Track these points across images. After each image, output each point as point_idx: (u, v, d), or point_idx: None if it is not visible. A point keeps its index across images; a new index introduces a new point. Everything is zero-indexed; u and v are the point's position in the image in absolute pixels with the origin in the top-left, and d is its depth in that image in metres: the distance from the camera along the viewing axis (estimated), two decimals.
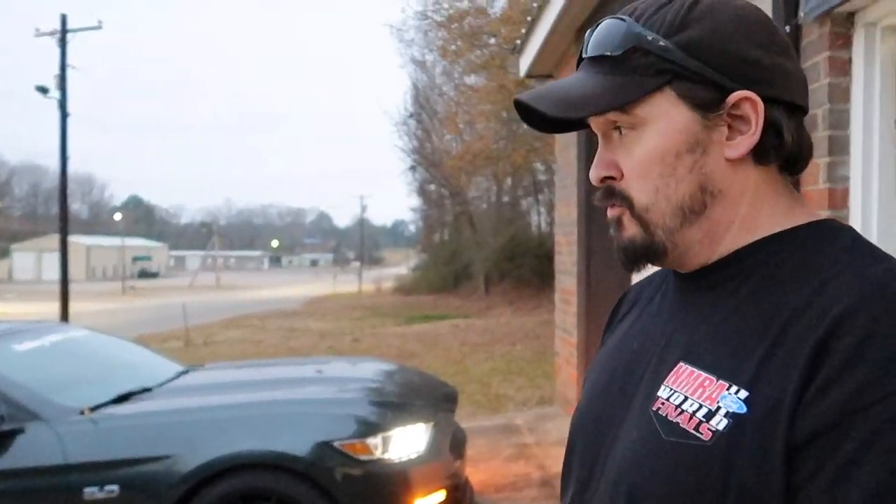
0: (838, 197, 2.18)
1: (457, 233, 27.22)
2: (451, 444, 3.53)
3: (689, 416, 0.62)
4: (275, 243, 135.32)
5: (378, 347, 12.02)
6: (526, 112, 0.73)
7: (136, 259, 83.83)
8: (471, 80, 17.92)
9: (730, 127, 0.68)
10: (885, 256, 0.64)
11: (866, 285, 0.59)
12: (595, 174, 0.72)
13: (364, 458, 3.14)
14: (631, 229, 0.71)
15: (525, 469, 4.59)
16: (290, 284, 49.54)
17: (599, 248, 5.09)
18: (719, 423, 0.60)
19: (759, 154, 0.68)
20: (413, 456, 3.24)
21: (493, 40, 14.66)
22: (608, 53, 0.69)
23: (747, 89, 0.66)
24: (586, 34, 0.73)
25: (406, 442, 3.26)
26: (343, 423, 3.26)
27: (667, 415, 0.64)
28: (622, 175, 0.71)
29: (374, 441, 3.18)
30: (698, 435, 0.61)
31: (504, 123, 16.64)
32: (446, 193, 26.19)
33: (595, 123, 0.72)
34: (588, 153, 5.06)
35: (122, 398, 3.51)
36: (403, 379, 4.45)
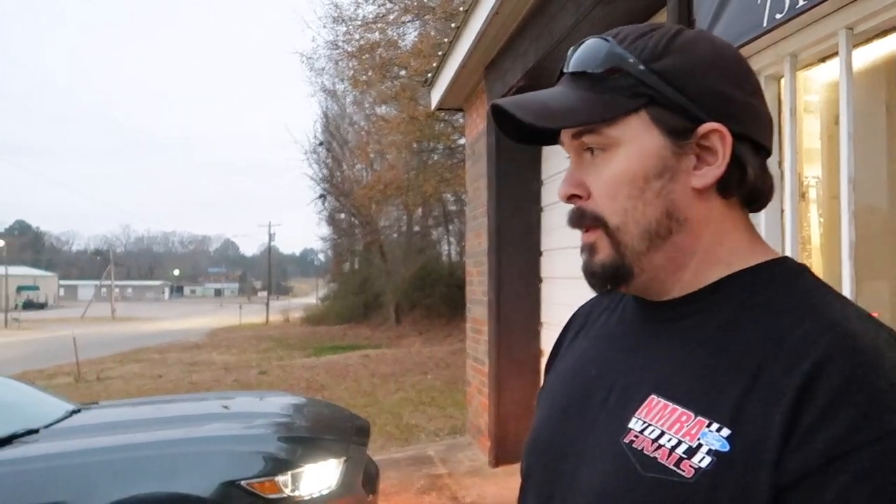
0: None
1: (367, 262, 27.04)
2: (364, 478, 3.47)
3: (667, 451, 0.62)
4: (176, 272, 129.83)
5: (286, 380, 11.69)
6: (502, 118, 0.74)
7: (21, 289, 78.09)
8: (382, 110, 18.02)
9: (697, 157, 0.69)
10: (845, 299, 0.67)
11: (839, 333, 0.61)
12: (563, 191, 0.73)
13: (273, 496, 3.03)
14: (603, 252, 0.72)
15: (438, 500, 4.56)
16: (192, 315, 47.49)
17: (510, 278, 5.19)
18: (702, 460, 0.60)
19: (723, 187, 0.70)
20: (324, 492, 3.15)
21: (403, 72, 14.83)
22: (589, 71, 0.71)
23: (718, 122, 0.68)
24: (569, 51, 0.75)
25: (317, 478, 3.17)
26: (250, 461, 3.14)
27: (643, 449, 0.64)
28: (589, 195, 0.72)
29: (284, 478, 3.07)
30: (679, 472, 0.60)
31: (415, 154, 16.80)
32: (356, 223, 26.02)
33: (567, 141, 0.74)
34: (497, 185, 5.19)
35: (2, 442, 3.24)
36: (313, 412, 4.34)
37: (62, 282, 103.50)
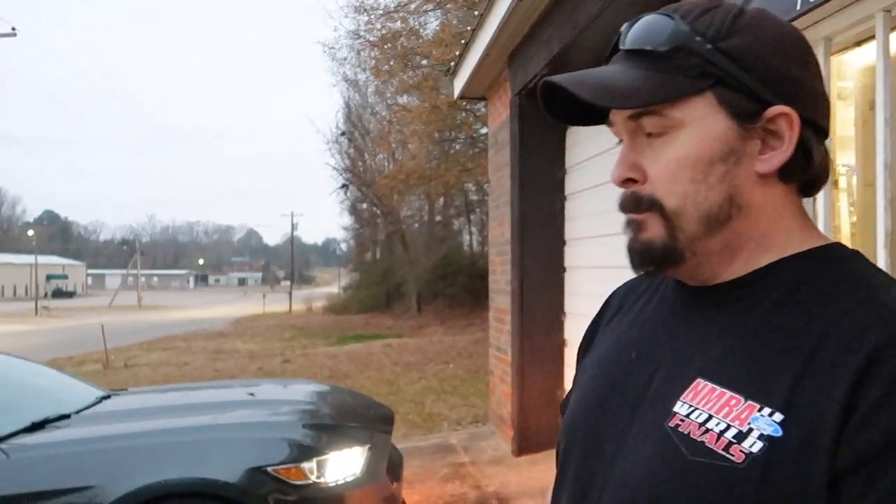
0: None
1: (389, 252, 27.13)
2: (388, 465, 3.49)
3: (715, 435, 0.61)
4: (201, 261, 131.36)
5: (309, 368, 11.79)
6: (549, 96, 0.71)
7: (50, 278, 79.68)
8: (403, 99, 18.00)
9: (763, 141, 0.67)
10: None
11: None
12: (618, 174, 0.70)
13: (299, 483, 3.06)
14: (653, 231, 0.69)
15: (461, 489, 4.58)
16: (216, 304, 48.08)
17: (533, 268, 5.17)
18: (752, 445, 0.59)
19: (786, 172, 0.68)
20: (349, 479, 3.18)
21: (425, 61, 14.79)
22: (651, 48, 0.68)
23: (786, 105, 0.66)
24: (623, 27, 0.72)
25: (342, 465, 3.20)
26: (276, 448, 3.17)
27: (689, 433, 0.63)
28: (645, 179, 0.69)
29: (309, 465, 3.10)
30: (729, 456, 0.59)
31: (437, 143, 16.77)
32: (378, 212, 26.11)
33: (621, 122, 0.71)
34: (521, 174, 5.16)
35: (36, 426, 3.30)
36: (337, 400, 4.38)
37: (90, 271, 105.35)
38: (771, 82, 0.67)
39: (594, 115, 0.74)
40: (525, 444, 5.09)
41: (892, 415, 0.55)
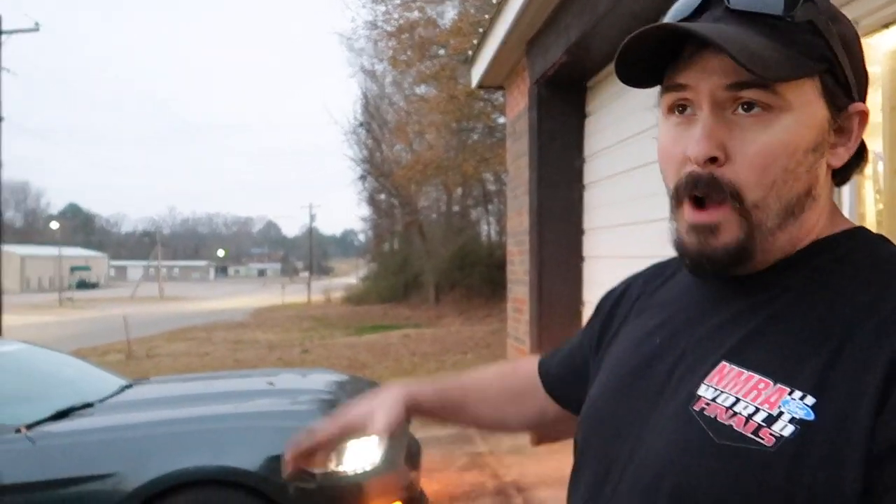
0: None
1: (407, 243, 27.17)
2: (406, 455, 3.50)
3: (744, 419, 0.59)
4: (221, 253, 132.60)
5: (328, 358, 11.87)
6: (632, 45, 0.64)
7: (74, 269, 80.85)
8: (421, 90, 17.99)
9: (837, 134, 0.66)
10: None
11: None
12: (703, 150, 0.62)
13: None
14: (730, 233, 0.64)
15: (479, 478, 4.59)
16: (236, 295, 48.53)
17: (551, 257, 5.14)
18: (783, 428, 0.57)
19: (845, 167, 0.67)
20: (368, 468, 3.19)
21: (442, 51, 14.74)
22: (779, 15, 0.62)
23: (862, 102, 0.65)
24: None
25: (360, 454, 3.21)
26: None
27: (715, 416, 0.61)
28: (726, 160, 0.63)
29: None
30: (759, 440, 0.58)
31: (454, 133, 16.73)
32: (396, 203, 26.14)
33: (711, 90, 0.63)
34: (539, 163, 5.13)
35: (61, 414, 3.36)
36: (356, 390, 4.39)
37: (112, 262, 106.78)
38: (858, 78, 0.65)
39: (649, 79, 0.67)
40: (544, 434, 5.09)
41: None
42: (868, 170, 2.37)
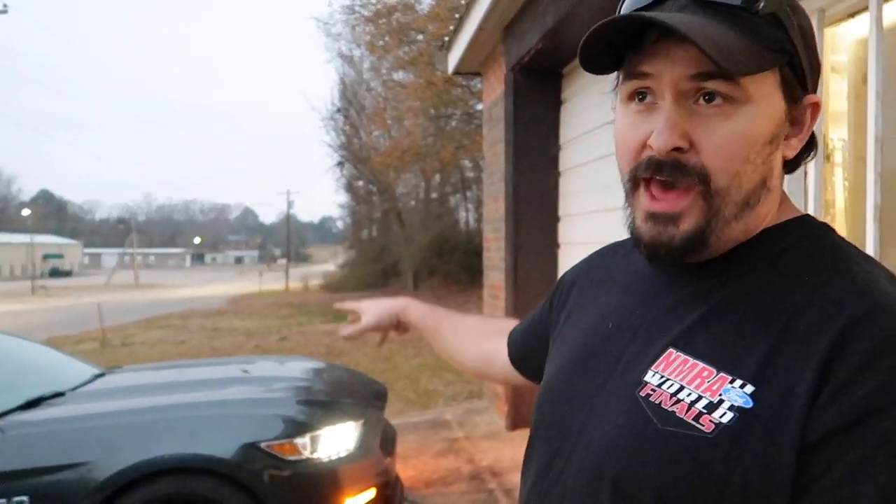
0: None
1: (385, 229, 27.09)
2: (381, 441, 3.51)
3: (686, 405, 0.60)
4: (197, 240, 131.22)
5: (306, 346, 11.83)
6: (600, 37, 0.63)
7: (46, 257, 79.50)
8: (399, 76, 17.86)
9: (790, 125, 0.67)
10: (871, 259, 0.66)
11: (872, 293, 0.59)
12: (667, 140, 0.63)
13: (292, 458, 3.08)
14: (691, 220, 0.64)
15: (455, 463, 4.62)
16: (213, 282, 48.10)
17: (527, 244, 5.16)
18: (723, 415, 0.58)
19: (797, 158, 0.69)
20: (342, 455, 3.20)
21: (420, 37, 14.64)
22: (746, 7, 0.61)
23: (814, 94, 0.66)
24: None
25: (335, 441, 3.22)
26: (270, 424, 3.19)
27: (660, 402, 0.62)
28: (690, 148, 0.63)
29: (303, 441, 3.12)
30: (699, 426, 0.59)
31: (432, 120, 16.66)
32: (374, 190, 26.02)
33: (675, 81, 0.63)
34: (515, 150, 5.13)
35: (31, 404, 3.31)
36: (332, 377, 4.39)
37: (86, 250, 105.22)
38: (813, 70, 0.66)
39: (611, 65, 0.67)
40: (519, 419, 5.13)
41: (865, 387, 0.55)
42: (838, 157, 2.40)
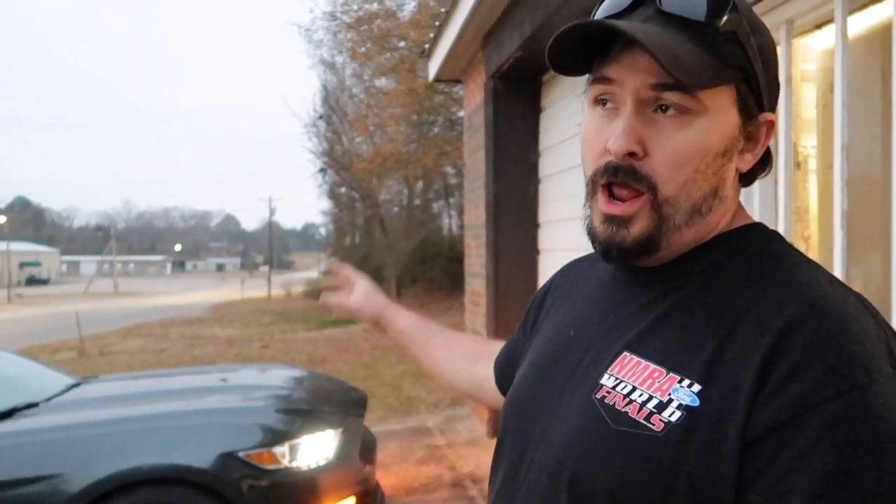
0: None
1: (368, 236, 27.03)
2: (361, 449, 3.50)
3: (638, 406, 0.63)
4: (178, 247, 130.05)
5: (288, 353, 11.76)
6: (566, 42, 0.65)
7: (23, 265, 78.36)
8: (381, 82, 17.87)
9: (745, 140, 0.69)
10: (815, 264, 0.68)
11: (811, 295, 0.61)
12: (623, 145, 0.65)
13: (271, 467, 3.06)
14: (641, 224, 0.67)
15: (436, 471, 4.62)
16: (194, 290, 47.67)
17: (508, 250, 5.18)
18: (671, 414, 0.60)
19: (751, 171, 0.71)
20: (321, 463, 3.19)
21: (402, 44, 14.67)
22: (705, 22, 0.63)
23: (771, 112, 0.69)
24: None
25: (314, 449, 3.20)
26: (248, 433, 3.17)
27: (614, 403, 0.64)
28: (644, 156, 0.66)
29: (281, 449, 3.10)
30: (649, 426, 0.61)
31: (414, 126, 16.68)
32: (357, 196, 25.96)
33: (636, 88, 0.65)
34: (495, 157, 5.15)
35: (3, 415, 3.27)
36: (312, 385, 4.37)
37: (64, 258, 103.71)
38: (771, 89, 0.69)
39: (580, 68, 0.70)
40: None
41: (802, 385, 0.57)
42: (812, 165, 2.44)
